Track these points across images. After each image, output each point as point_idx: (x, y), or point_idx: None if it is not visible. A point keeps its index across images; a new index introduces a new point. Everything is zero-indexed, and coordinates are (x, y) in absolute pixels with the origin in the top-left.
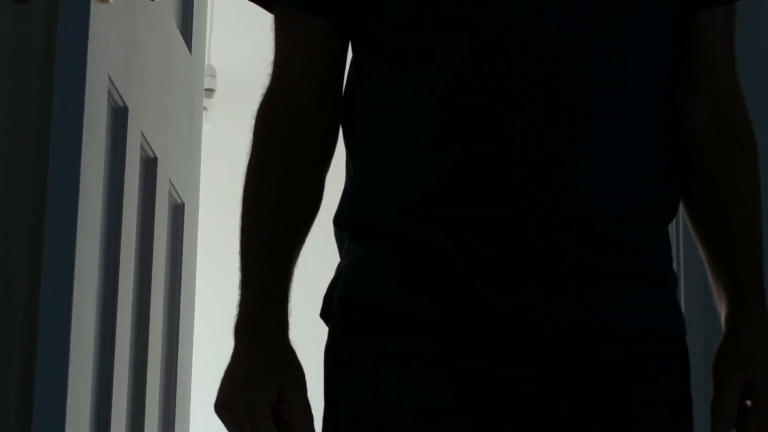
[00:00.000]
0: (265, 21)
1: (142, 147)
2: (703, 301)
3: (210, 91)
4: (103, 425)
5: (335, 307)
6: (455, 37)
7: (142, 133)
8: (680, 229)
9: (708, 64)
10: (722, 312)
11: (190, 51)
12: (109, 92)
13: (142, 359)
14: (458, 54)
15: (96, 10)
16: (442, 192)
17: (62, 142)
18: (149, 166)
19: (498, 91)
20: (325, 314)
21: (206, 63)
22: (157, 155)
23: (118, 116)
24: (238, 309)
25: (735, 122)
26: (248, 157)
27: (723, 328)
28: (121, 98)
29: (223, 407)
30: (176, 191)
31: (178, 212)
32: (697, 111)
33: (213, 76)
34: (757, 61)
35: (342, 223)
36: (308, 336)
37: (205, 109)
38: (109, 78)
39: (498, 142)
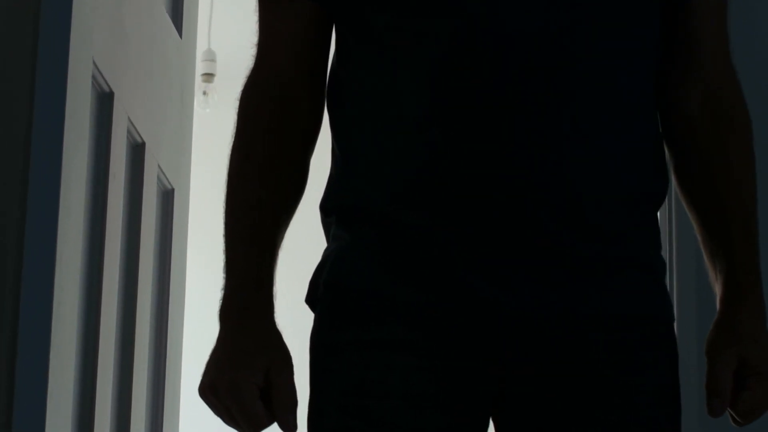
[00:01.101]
0: None
1: (129, 132)
2: (696, 288)
3: (210, 76)
4: (87, 414)
5: (321, 292)
6: (441, 19)
7: (129, 118)
8: (673, 215)
9: (700, 44)
10: (717, 292)
11: (181, 36)
12: (94, 77)
13: (128, 349)
14: (444, 36)
15: None
16: (428, 176)
17: (44, 127)
18: (137, 151)
19: (484, 75)
20: (311, 300)
21: (206, 47)
22: (145, 140)
23: (104, 101)
24: (223, 292)
25: (728, 103)
26: (232, 139)
27: (718, 307)
28: (107, 83)
29: (208, 390)
30: (166, 177)
31: (167, 198)
32: (690, 93)
33: (213, 60)
34: (757, 57)
35: (328, 209)
36: (295, 321)
37: (205, 93)
38: (94, 63)
39: (484, 126)
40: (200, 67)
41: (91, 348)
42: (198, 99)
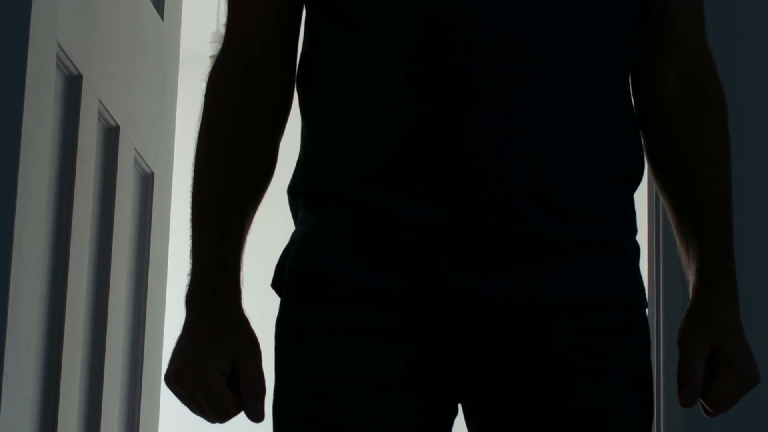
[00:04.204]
0: None
1: (101, 115)
2: (682, 279)
3: None
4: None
5: (287, 277)
6: (411, 1)
7: (101, 102)
8: (661, 202)
9: (675, 25)
10: (690, 279)
11: (162, 17)
12: (60, 59)
13: (99, 345)
14: (413, 18)
15: None
16: (396, 157)
17: (1, 111)
18: (111, 134)
19: (453, 54)
20: (277, 284)
21: (215, 29)
22: (120, 124)
23: (71, 84)
24: (189, 278)
25: (704, 84)
26: (199, 121)
27: (690, 294)
28: (74, 66)
29: (173, 379)
30: (144, 160)
31: (146, 182)
32: (664, 73)
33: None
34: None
35: (296, 192)
36: (265, 308)
37: None
38: (59, 45)
39: (453, 108)
40: (208, 49)
41: (56, 346)
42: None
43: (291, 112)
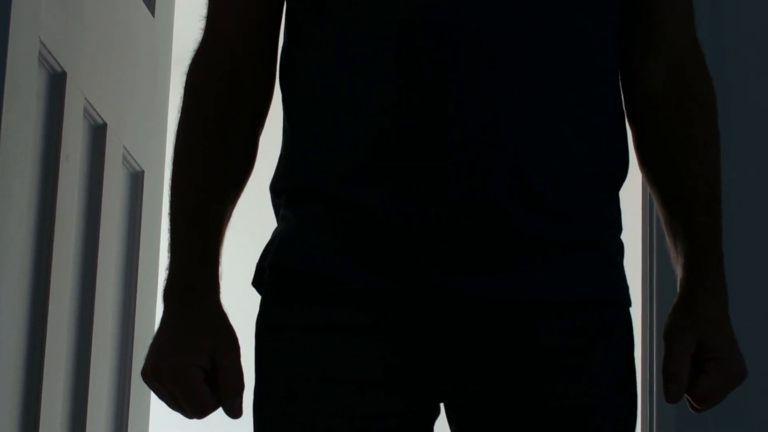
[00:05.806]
0: None
1: (87, 113)
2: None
3: None
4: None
5: (267, 275)
6: None
7: (87, 99)
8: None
9: (664, 19)
10: (678, 273)
11: (153, 14)
12: (43, 57)
13: (85, 347)
14: (395, 13)
15: None
16: (377, 153)
17: None
18: (98, 132)
19: (438, 49)
20: (258, 283)
21: None
22: (107, 121)
23: (55, 82)
24: (167, 272)
25: (693, 80)
26: (179, 114)
27: (678, 289)
28: (58, 63)
29: (151, 375)
30: (133, 158)
31: (136, 180)
32: (653, 69)
33: None
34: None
35: (278, 189)
36: (244, 303)
37: None
38: (42, 42)
39: (435, 104)
40: None
41: (38, 348)
42: None
43: (273, 108)
